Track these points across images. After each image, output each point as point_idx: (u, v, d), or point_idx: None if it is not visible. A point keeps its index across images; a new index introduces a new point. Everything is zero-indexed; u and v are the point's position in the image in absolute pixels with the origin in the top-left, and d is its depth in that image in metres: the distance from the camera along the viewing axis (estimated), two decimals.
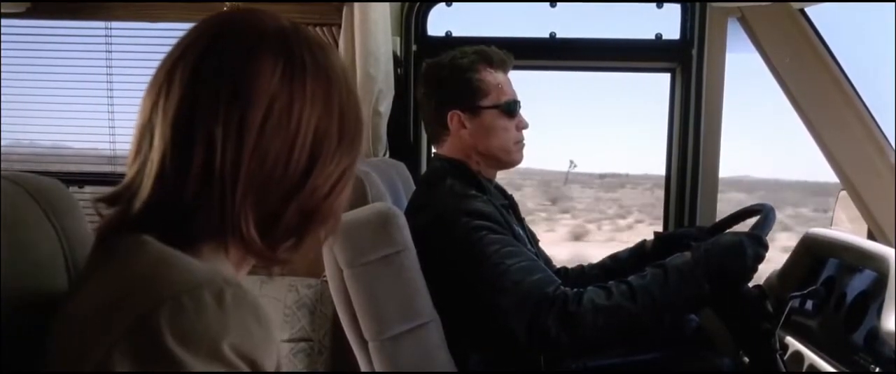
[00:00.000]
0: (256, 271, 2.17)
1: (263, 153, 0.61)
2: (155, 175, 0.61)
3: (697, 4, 2.03)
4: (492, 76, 1.49)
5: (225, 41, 0.63)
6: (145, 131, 0.62)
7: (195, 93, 0.61)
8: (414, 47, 2.14)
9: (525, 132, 1.54)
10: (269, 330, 0.56)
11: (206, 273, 0.55)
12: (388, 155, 2.04)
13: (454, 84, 1.49)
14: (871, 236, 1.92)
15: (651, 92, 2.27)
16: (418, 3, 2.13)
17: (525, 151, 1.56)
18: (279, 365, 0.60)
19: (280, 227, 0.65)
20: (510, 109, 1.50)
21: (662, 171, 2.21)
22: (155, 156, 0.61)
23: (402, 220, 1.35)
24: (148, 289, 0.53)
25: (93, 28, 2.27)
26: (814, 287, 1.41)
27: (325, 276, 1.59)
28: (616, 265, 1.67)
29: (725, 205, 2.16)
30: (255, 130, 0.61)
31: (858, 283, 1.33)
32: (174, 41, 0.65)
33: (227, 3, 1.80)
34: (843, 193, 1.99)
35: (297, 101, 0.63)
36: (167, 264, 0.56)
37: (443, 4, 2.15)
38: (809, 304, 1.45)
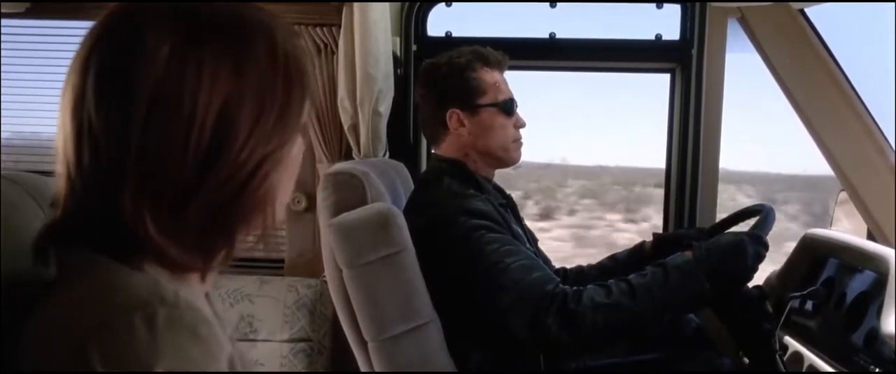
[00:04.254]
0: (253, 271, 2.17)
1: (152, 145, 0.56)
2: (63, 176, 0.59)
3: (697, 5, 2.03)
4: (489, 75, 1.51)
5: (114, 28, 0.59)
6: (58, 130, 0.60)
7: (83, 85, 0.58)
8: (414, 47, 2.14)
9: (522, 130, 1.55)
10: (210, 348, 0.53)
11: (142, 294, 0.52)
12: (387, 155, 2.04)
13: (452, 83, 1.50)
14: (870, 237, 1.92)
15: (652, 91, 2.27)
16: (418, 4, 2.13)
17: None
18: (233, 365, 0.58)
19: (188, 226, 0.58)
20: (508, 107, 1.51)
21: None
22: (59, 155, 0.59)
23: (402, 220, 1.35)
24: (82, 317, 0.52)
25: None
26: (814, 288, 1.41)
27: (324, 276, 1.59)
28: (615, 266, 1.67)
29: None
30: (140, 121, 0.56)
31: (858, 283, 1.33)
32: None
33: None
34: (843, 193, 1.98)
35: (189, 82, 0.56)
36: (105, 287, 0.54)
37: (443, 4, 2.15)
38: (809, 304, 1.45)
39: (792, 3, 1.92)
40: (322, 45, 2.02)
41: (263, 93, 0.60)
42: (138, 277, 0.55)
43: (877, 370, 1.15)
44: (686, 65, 2.06)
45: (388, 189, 1.50)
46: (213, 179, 0.58)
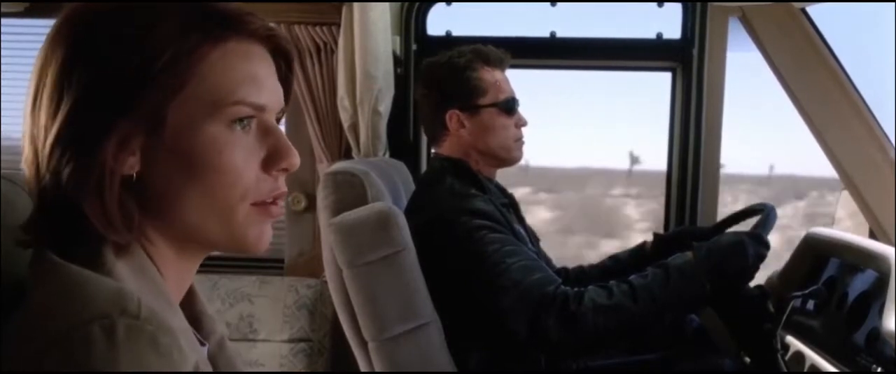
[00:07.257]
0: (253, 271, 2.17)
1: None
2: (29, 179, 0.62)
3: (698, 4, 2.03)
4: (489, 74, 1.50)
5: (63, 31, 0.66)
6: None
7: (35, 88, 0.65)
8: (414, 47, 2.14)
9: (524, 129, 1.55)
10: (172, 358, 0.52)
11: (102, 304, 0.52)
12: (388, 155, 2.04)
13: (452, 83, 1.49)
14: (872, 236, 1.92)
15: (653, 90, 2.27)
16: (418, 3, 2.12)
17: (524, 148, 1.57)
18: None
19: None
20: (509, 106, 1.51)
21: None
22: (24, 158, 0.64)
23: (402, 220, 1.35)
24: (41, 327, 0.51)
25: None
26: (815, 287, 1.41)
27: (325, 276, 1.59)
28: (616, 266, 1.67)
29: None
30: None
31: (860, 283, 1.32)
32: None
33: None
34: (845, 192, 1.98)
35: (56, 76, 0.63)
36: (66, 295, 0.53)
37: (443, 4, 2.15)
38: (811, 304, 1.44)
39: (793, 3, 1.91)
40: (321, 44, 2.02)
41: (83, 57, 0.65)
42: (102, 284, 0.54)
43: (879, 369, 1.15)
44: (687, 64, 2.05)
45: (389, 188, 1.49)
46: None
